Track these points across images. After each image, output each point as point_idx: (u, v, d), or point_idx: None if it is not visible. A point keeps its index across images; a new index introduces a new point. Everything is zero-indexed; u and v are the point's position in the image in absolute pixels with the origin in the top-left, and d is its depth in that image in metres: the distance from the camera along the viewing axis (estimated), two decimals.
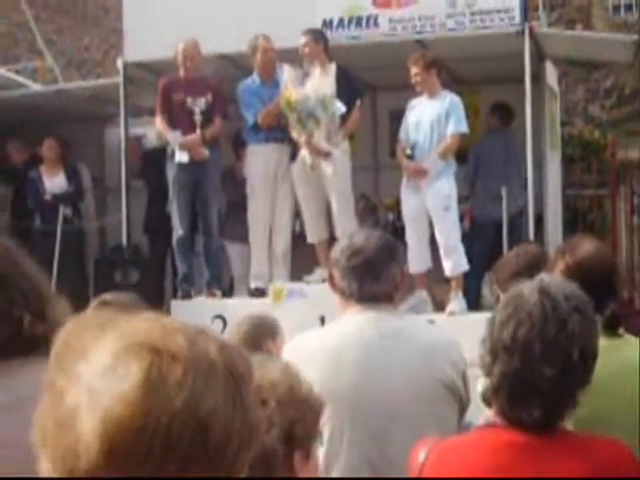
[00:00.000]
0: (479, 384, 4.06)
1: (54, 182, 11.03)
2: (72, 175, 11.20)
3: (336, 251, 3.53)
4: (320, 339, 3.53)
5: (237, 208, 10.00)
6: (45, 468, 1.23)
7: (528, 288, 2.29)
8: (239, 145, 10.48)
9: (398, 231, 9.72)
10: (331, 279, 3.52)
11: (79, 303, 4.95)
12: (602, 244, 3.80)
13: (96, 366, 1.22)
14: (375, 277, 3.41)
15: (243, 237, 9.79)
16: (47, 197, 10.91)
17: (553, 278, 2.48)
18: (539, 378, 2.18)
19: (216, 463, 1.22)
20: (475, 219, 10.33)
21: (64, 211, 10.42)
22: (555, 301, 2.24)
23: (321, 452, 3.22)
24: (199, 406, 1.20)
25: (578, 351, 2.19)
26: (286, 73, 8.96)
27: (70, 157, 11.54)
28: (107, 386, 1.19)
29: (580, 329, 2.21)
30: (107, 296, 4.93)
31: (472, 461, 2.25)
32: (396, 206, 10.40)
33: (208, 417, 1.20)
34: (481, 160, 10.42)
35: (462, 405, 3.45)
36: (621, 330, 3.44)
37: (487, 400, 2.31)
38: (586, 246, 3.54)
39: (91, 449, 1.18)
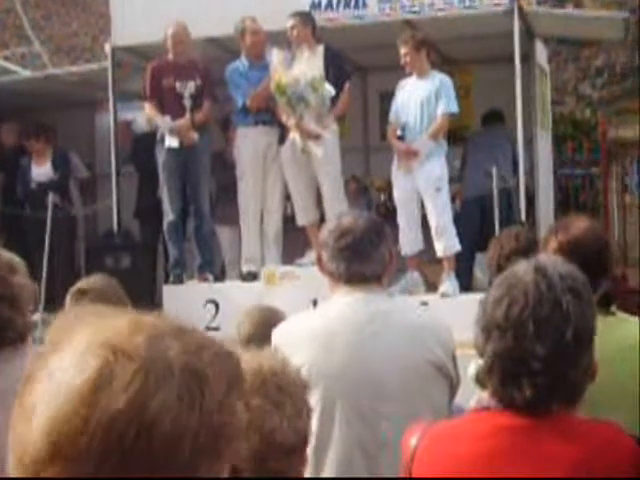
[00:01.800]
0: (470, 367, 4.06)
1: (40, 170, 11.01)
2: (59, 162, 11.16)
3: (324, 233, 3.53)
4: (309, 321, 3.53)
5: (227, 192, 9.98)
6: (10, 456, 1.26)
7: (523, 267, 2.27)
8: (228, 129, 10.46)
9: (389, 212, 9.70)
10: (320, 261, 3.52)
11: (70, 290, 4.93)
12: (594, 222, 3.78)
13: (63, 362, 1.23)
14: (363, 258, 3.41)
15: (234, 221, 9.77)
16: (32, 185, 10.89)
17: (550, 258, 2.46)
18: (530, 357, 2.16)
19: (162, 466, 1.20)
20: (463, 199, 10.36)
21: (53, 198, 10.35)
22: (550, 280, 2.21)
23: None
24: (145, 407, 1.19)
25: (572, 331, 2.16)
26: (275, 56, 8.92)
27: (57, 143, 11.50)
28: (63, 382, 1.21)
29: (575, 309, 2.18)
30: (83, 284, 4.87)
31: (465, 445, 2.23)
32: (387, 187, 10.39)
33: (154, 418, 1.19)
34: (469, 147, 10.52)
35: (452, 386, 3.44)
36: (614, 308, 3.43)
37: (481, 381, 2.29)
38: (578, 224, 3.53)
39: (37, 442, 1.19)
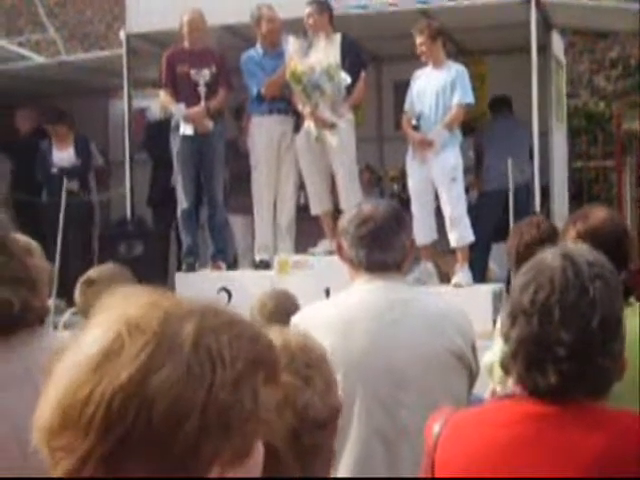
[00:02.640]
0: (485, 357, 4.05)
1: (63, 155, 10.95)
2: (81, 148, 11.11)
3: (344, 220, 3.51)
4: (329, 308, 3.51)
5: (240, 180, 9.97)
6: None
7: (551, 253, 2.27)
8: (241, 117, 10.45)
9: (403, 202, 9.68)
10: (339, 249, 3.50)
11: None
12: (613, 212, 3.77)
13: (87, 338, 1.25)
14: (383, 246, 3.39)
15: (246, 209, 9.77)
16: (54, 170, 10.84)
17: (577, 245, 2.44)
18: (556, 343, 2.15)
19: (166, 441, 1.19)
20: (482, 190, 10.33)
21: (71, 185, 10.31)
22: (578, 267, 2.20)
23: None
24: (147, 381, 1.19)
25: (598, 318, 2.15)
26: (291, 44, 8.89)
27: (78, 129, 11.49)
28: (79, 355, 1.23)
29: (602, 297, 2.18)
30: (92, 273, 4.88)
31: (488, 432, 2.22)
32: (401, 177, 10.38)
33: (156, 392, 1.18)
34: (485, 137, 10.49)
35: (472, 375, 3.42)
36: (632, 299, 3.42)
37: (505, 367, 2.27)
38: (597, 214, 3.52)
39: (49, 411, 1.22)
